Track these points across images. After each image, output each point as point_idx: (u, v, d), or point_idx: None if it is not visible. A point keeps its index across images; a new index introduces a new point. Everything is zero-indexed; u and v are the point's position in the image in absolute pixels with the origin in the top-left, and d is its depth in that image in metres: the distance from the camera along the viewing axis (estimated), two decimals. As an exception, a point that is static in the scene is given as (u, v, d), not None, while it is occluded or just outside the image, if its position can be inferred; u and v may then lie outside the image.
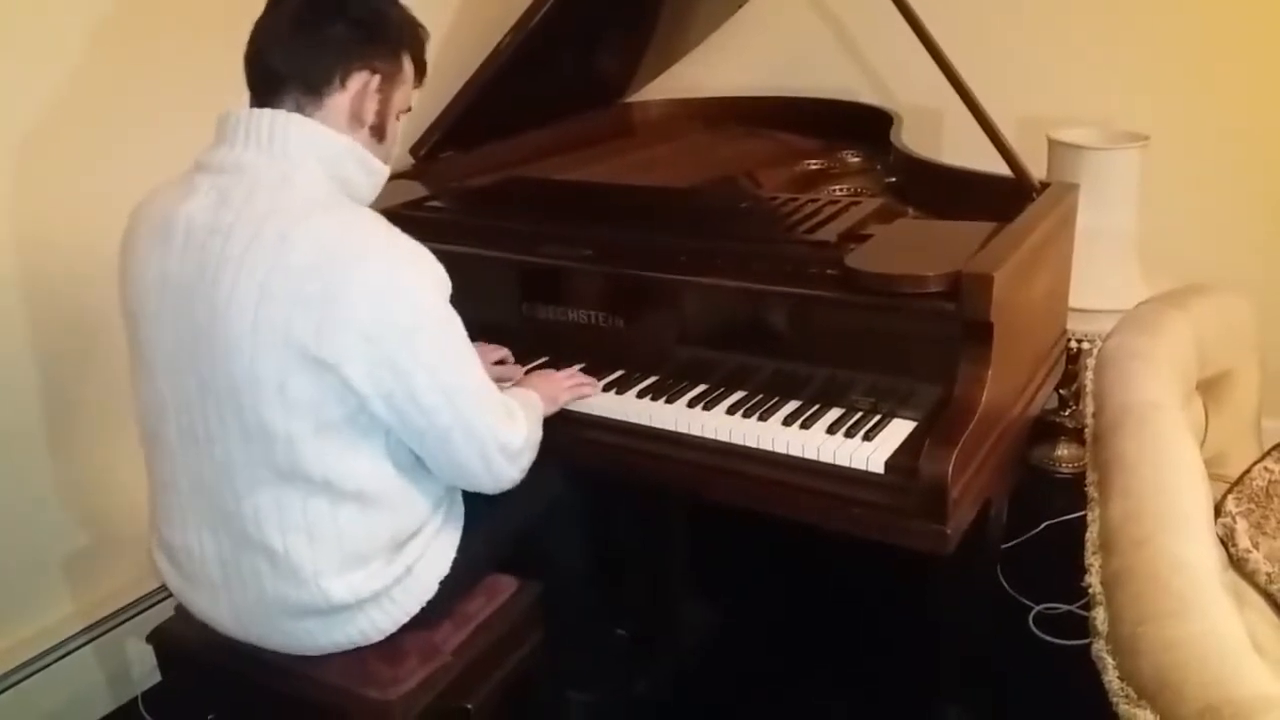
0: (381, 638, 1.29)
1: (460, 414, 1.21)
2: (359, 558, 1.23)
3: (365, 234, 1.16)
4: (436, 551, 1.32)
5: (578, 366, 1.63)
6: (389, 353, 1.13)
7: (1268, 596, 1.33)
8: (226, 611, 1.28)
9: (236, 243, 1.13)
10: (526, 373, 1.62)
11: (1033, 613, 1.96)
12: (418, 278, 1.17)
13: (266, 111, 1.19)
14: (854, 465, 1.35)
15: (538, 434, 1.37)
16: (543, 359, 1.68)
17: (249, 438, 1.16)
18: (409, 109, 1.32)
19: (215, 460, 1.19)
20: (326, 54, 1.20)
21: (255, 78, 1.22)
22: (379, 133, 1.27)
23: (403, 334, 1.14)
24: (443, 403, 1.19)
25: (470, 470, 1.27)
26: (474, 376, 1.24)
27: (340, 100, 1.21)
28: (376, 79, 1.24)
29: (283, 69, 1.19)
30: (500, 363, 1.64)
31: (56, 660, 1.83)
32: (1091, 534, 1.26)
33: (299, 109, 1.20)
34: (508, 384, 1.51)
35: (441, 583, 1.32)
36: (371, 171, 1.26)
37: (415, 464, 1.28)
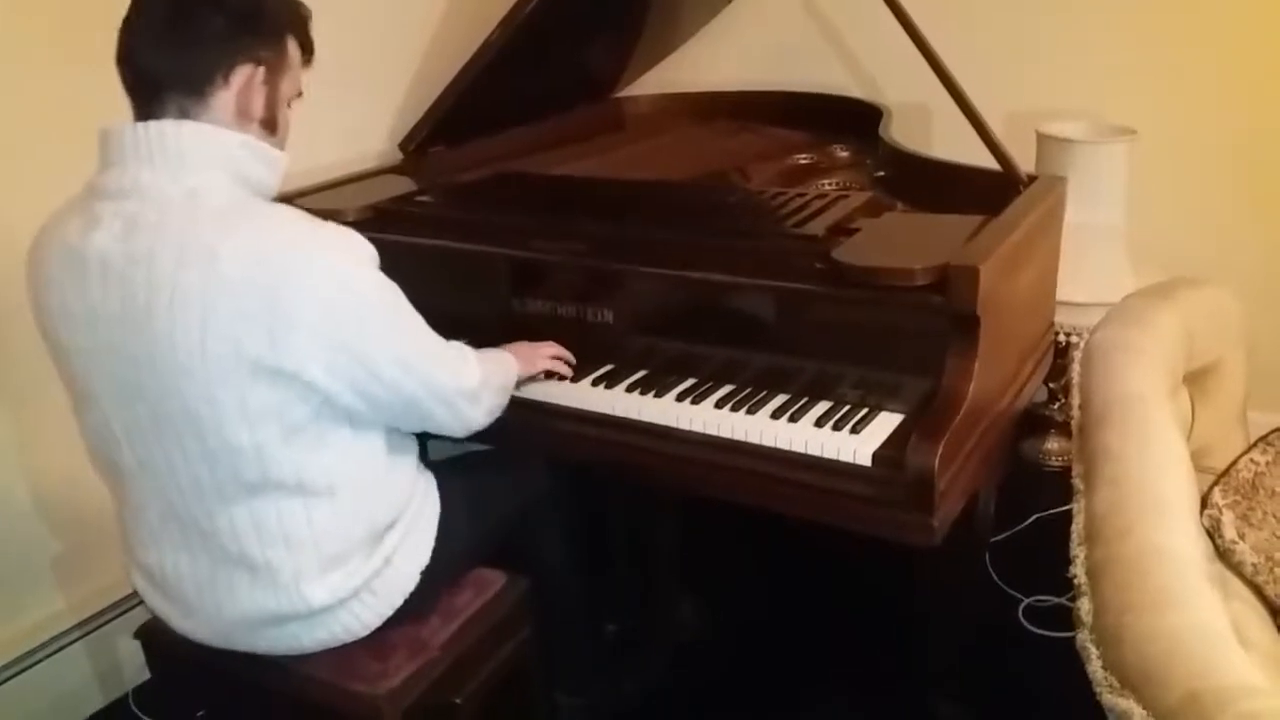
0: (367, 632, 1.29)
1: (421, 377, 1.23)
2: (337, 558, 1.23)
3: (291, 232, 1.13)
4: (415, 540, 1.32)
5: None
6: (345, 342, 1.13)
7: (1254, 588, 1.33)
8: (206, 626, 1.28)
9: (162, 268, 1.08)
10: None
11: (1022, 605, 1.96)
12: (351, 260, 1.15)
13: (153, 124, 1.12)
14: (841, 458, 1.35)
15: (499, 379, 1.40)
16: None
17: (213, 458, 1.14)
18: (300, 94, 1.26)
19: (181, 486, 1.18)
20: (205, 51, 1.13)
21: (132, 82, 1.14)
22: (270, 125, 1.21)
23: (353, 320, 1.14)
24: (401, 373, 1.20)
25: (437, 420, 1.31)
26: (422, 336, 1.26)
27: (225, 97, 1.15)
28: (261, 71, 1.17)
29: (160, 71, 1.13)
30: None
31: (47, 657, 1.83)
32: (1077, 525, 1.26)
33: (183, 112, 1.13)
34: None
35: (423, 573, 1.32)
36: (270, 161, 1.20)
37: (386, 449, 1.28)
